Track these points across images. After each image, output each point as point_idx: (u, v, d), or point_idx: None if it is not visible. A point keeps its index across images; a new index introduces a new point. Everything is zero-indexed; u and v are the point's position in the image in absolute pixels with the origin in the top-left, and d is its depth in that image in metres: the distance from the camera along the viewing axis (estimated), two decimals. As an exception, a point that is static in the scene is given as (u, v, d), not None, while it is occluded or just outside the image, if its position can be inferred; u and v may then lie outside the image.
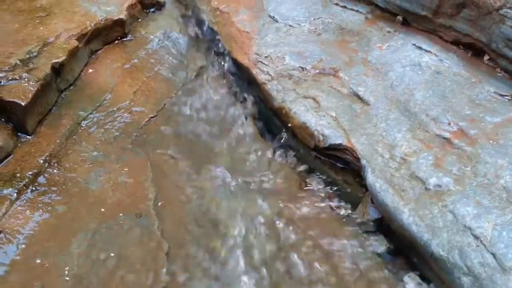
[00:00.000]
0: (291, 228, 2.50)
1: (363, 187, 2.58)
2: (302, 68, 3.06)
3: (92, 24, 3.22)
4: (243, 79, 3.35)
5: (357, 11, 3.43)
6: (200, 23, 3.77)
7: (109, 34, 3.36)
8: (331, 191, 2.70)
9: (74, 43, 3.01)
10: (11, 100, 2.52)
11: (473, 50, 2.87)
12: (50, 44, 2.94)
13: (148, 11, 3.77)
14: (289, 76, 3.04)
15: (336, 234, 2.49)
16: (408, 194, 2.27)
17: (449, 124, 2.48)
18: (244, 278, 2.29)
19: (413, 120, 2.57)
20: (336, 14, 3.46)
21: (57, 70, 2.83)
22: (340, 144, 2.62)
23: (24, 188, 2.39)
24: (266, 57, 3.19)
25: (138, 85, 3.15)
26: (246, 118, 3.18)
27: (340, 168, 2.73)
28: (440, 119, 2.51)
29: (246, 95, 3.27)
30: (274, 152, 2.95)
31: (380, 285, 2.26)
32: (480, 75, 2.72)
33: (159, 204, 2.52)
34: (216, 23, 3.66)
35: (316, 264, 2.36)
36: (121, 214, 2.40)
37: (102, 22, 3.29)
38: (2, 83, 2.58)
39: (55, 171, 2.52)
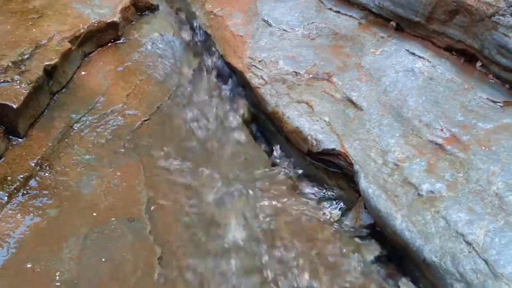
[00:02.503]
0: (284, 233, 2.50)
1: (356, 192, 2.58)
2: (296, 72, 3.07)
3: (85, 27, 3.19)
4: (237, 83, 3.35)
5: (350, 16, 3.44)
6: (193, 26, 3.76)
7: (102, 36, 3.35)
8: (324, 196, 2.71)
9: (67, 45, 2.99)
10: (2, 102, 2.50)
11: (466, 56, 2.89)
12: (43, 46, 2.92)
13: (141, 14, 3.76)
14: (283, 81, 3.04)
15: (329, 239, 2.49)
16: (401, 199, 2.28)
17: (442, 130, 2.50)
18: (237, 284, 2.29)
19: (406, 126, 2.58)
20: (330, 19, 3.47)
21: (50, 72, 2.81)
22: (333, 149, 2.62)
23: (15, 191, 2.37)
24: (260, 61, 3.19)
25: (131, 88, 3.13)
26: (239, 122, 3.17)
27: (333, 173, 2.73)
28: (433, 125, 2.52)
29: (239, 99, 3.26)
30: (267, 157, 2.95)
31: (373, 290, 2.27)
32: (473, 81, 2.73)
33: (152, 208, 2.50)
34: (210, 27, 3.65)
35: (308, 270, 2.35)
36: (113, 219, 2.39)
37: (96, 24, 3.27)
38: (-7, 85, 2.56)
39: (46, 174, 2.50)
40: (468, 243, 2.00)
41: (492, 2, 2.63)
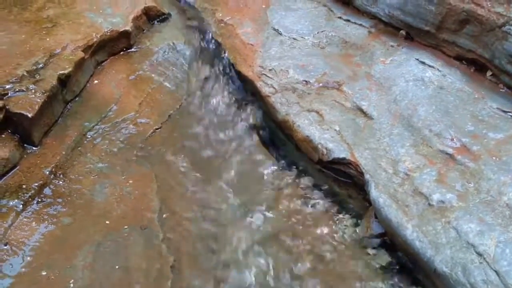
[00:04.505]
0: (294, 242, 2.52)
1: (366, 202, 2.59)
2: (306, 81, 3.09)
3: (98, 36, 3.24)
4: (247, 92, 3.38)
5: (360, 25, 3.46)
6: (204, 34, 3.79)
7: (115, 45, 3.39)
8: (334, 205, 2.72)
9: (80, 54, 3.04)
10: (18, 111, 2.54)
11: (476, 65, 2.90)
12: (57, 55, 2.96)
13: (153, 22, 3.80)
14: (293, 89, 3.06)
15: (339, 248, 2.51)
16: (412, 209, 2.29)
17: (452, 139, 2.50)
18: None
19: (416, 135, 2.59)
20: (340, 28, 3.48)
21: (63, 81, 2.85)
22: (343, 158, 2.64)
23: (30, 199, 2.41)
24: (270, 70, 3.22)
25: (143, 97, 3.17)
26: (250, 130, 3.19)
27: (343, 182, 2.75)
28: (443, 135, 2.53)
29: (250, 108, 3.28)
30: (278, 165, 2.96)
31: (383, 300, 2.28)
32: (483, 91, 2.74)
33: (164, 216, 2.53)
34: (220, 35, 3.69)
35: (318, 278, 2.37)
36: (126, 226, 2.42)
37: (108, 33, 3.32)
38: (9, 94, 2.60)
39: (60, 182, 2.54)
40: (479, 254, 2.00)
41: (503, 12, 2.64)
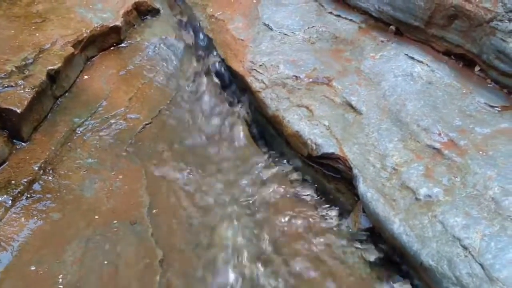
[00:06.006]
0: (283, 236, 2.53)
1: (355, 196, 2.61)
2: (296, 76, 3.10)
3: (88, 31, 3.23)
4: (238, 87, 3.38)
5: (350, 20, 3.46)
6: (195, 30, 3.79)
7: (105, 40, 3.38)
8: (323, 199, 2.74)
9: (70, 49, 3.02)
10: (6, 107, 2.54)
11: (465, 61, 2.91)
12: (46, 50, 2.95)
13: (144, 17, 3.79)
14: (283, 85, 3.07)
15: (328, 242, 2.53)
16: (399, 204, 2.30)
17: (440, 134, 2.52)
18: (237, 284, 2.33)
19: (404, 130, 2.60)
20: (330, 23, 3.49)
21: (53, 77, 2.84)
22: (332, 153, 2.65)
23: (19, 195, 2.41)
24: (260, 65, 3.22)
25: (133, 92, 3.17)
26: (240, 126, 3.20)
27: (332, 176, 2.76)
28: (431, 130, 2.55)
29: (240, 103, 3.29)
30: (268, 160, 2.98)
31: (371, 294, 2.30)
32: (471, 86, 2.76)
33: (154, 211, 2.54)
34: (211, 30, 3.69)
35: (307, 272, 2.39)
36: (115, 222, 2.42)
37: (98, 28, 3.30)
38: (-3, 90, 2.59)
39: (50, 178, 2.54)
40: (465, 247, 2.02)
41: (490, 8, 2.65)
